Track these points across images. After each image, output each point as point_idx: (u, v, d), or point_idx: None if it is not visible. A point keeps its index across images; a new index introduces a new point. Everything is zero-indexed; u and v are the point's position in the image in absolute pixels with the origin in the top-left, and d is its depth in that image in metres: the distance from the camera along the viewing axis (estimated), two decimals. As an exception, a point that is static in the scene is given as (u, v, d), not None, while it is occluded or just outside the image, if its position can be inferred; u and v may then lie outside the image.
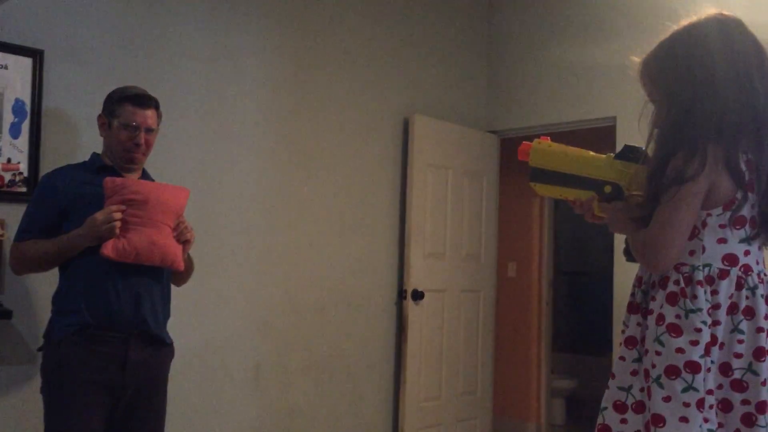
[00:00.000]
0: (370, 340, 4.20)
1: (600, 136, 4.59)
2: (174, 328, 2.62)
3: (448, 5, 4.72)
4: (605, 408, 1.84)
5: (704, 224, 1.76)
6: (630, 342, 1.83)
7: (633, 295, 1.87)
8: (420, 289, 4.33)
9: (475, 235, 4.76)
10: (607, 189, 1.89)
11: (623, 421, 1.80)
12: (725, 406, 1.73)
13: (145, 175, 2.65)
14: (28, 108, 2.94)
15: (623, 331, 1.88)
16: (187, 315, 3.32)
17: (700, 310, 1.71)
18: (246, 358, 3.65)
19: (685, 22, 1.81)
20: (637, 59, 1.86)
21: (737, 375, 1.72)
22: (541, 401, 5.58)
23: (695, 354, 1.70)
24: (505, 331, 5.49)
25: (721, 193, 1.73)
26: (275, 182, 3.79)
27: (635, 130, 4.25)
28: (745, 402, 1.71)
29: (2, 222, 2.80)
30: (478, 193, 4.79)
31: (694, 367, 1.69)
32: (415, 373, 4.31)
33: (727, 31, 1.77)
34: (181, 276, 2.65)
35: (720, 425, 1.72)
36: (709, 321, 1.71)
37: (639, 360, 1.81)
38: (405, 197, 4.36)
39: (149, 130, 2.53)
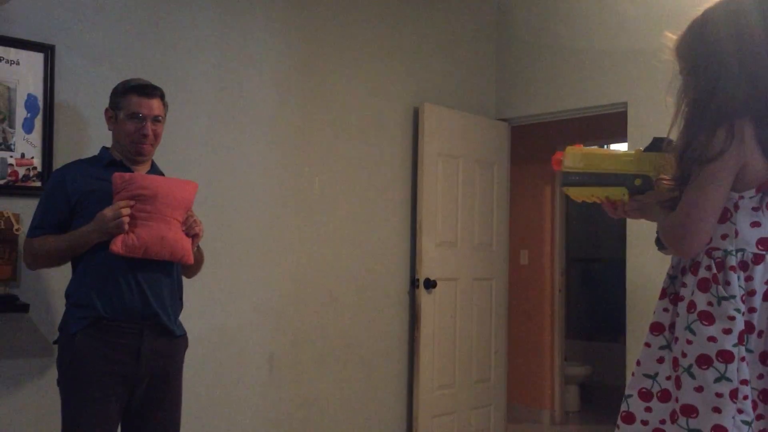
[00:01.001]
0: (383, 329, 4.22)
1: (611, 121, 4.57)
2: (187, 319, 2.64)
3: (457, -7, 4.70)
4: (630, 395, 1.80)
5: (736, 207, 1.70)
6: (656, 328, 1.79)
7: (665, 280, 1.84)
8: (432, 278, 4.33)
9: (486, 223, 4.75)
10: (638, 182, 1.88)
11: (648, 409, 1.77)
12: (766, 396, 1.67)
13: (154, 168, 2.66)
14: (40, 103, 2.96)
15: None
16: (201, 306, 3.34)
17: (733, 297, 1.66)
18: (260, 348, 3.67)
19: None
20: (672, 35, 1.82)
21: None
22: (554, 388, 5.59)
23: (728, 343, 1.64)
24: (518, 318, 5.49)
25: (753, 174, 1.67)
26: (286, 173, 3.80)
27: (646, 116, 4.24)
28: None
29: (18, 216, 2.83)
30: (489, 181, 4.78)
31: (726, 357, 1.64)
32: (428, 362, 4.32)
33: (763, 6, 1.70)
34: (192, 269, 2.66)
35: (760, 417, 1.66)
36: (743, 308, 1.66)
37: (666, 347, 1.77)
38: (416, 186, 4.36)
39: (156, 120, 2.54)
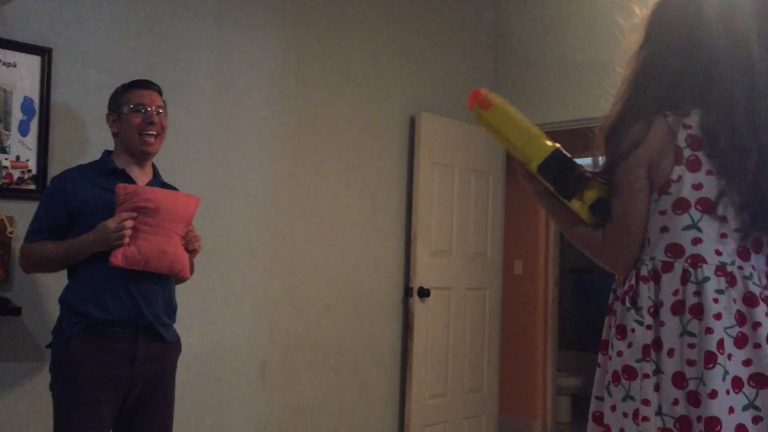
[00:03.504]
0: (376, 337, 4.21)
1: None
2: (181, 326, 2.63)
3: (454, 3, 4.72)
4: (589, 420, 1.69)
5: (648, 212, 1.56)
6: (603, 347, 1.66)
7: (611, 296, 1.70)
8: (426, 287, 4.33)
9: (481, 232, 4.76)
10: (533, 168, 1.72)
11: None
12: (684, 425, 1.45)
13: (156, 176, 2.65)
14: (36, 106, 2.95)
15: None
16: (194, 314, 3.33)
17: (638, 308, 1.53)
18: (253, 356, 3.66)
19: None
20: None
21: (692, 386, 1.46)
22: (547, 399, 5.59)
23: (631, 358, 1.52)
24: (511, 328, 5.49)
25: (656, 175, 1.53)
26: (281, 180, 3.80)
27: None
28: (699, 419, 1.43)
29: (12, 219, 2.82)
30: (485, 190, 4.79)
31: (629, 373, 1.52)
32: (421, 371, 4.31)
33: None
34: (185, 280, 2.66)
35: None
36: (648, 321, 1.51)
37: None
38: (411, 195, 4.37)
39: (159, 111, 2.54)
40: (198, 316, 3.38)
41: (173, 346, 2.56)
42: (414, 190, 4.34)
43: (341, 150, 4.06)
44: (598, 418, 1.65)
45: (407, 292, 4.34)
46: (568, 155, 1.69)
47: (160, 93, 2.59)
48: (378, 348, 4.22)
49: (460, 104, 4.72)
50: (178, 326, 2.61)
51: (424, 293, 4.32)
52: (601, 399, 1.65)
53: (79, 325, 2.37)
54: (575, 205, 1.65)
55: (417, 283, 4.30)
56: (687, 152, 1.51)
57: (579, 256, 6.99)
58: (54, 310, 2.65)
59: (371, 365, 4.18)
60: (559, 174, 1.66)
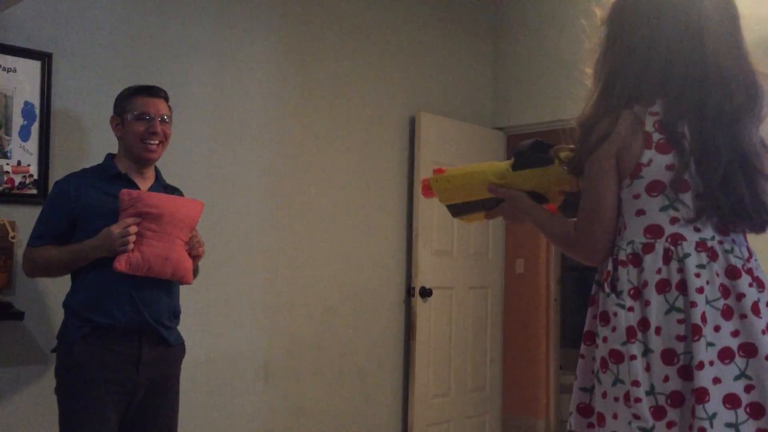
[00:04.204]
0: (378, 338, 4.21)
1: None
2: (182, 329, 2.64)
3: (453, 3, 4.72)
4: (571, 413, 1.69)
5: (621, 199, 1.60)
6: (587, 337, 1.66)
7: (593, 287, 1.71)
8: (428, 287, 4.34)
9: (482, 231, 4.76)
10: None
11: (590, 425, 1.64)
12: (675, 399, 1.49)
13: (159, 181, 2.65)
14: (37, 111, 2.96)
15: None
16: (196, 315, 3.34)
17: (619, 292, 1.55)
18: (255, 357, 3.66)
19: None
20: (604, 4, 1.75)
21: (684, 361, 1.49)
22: (550, 397, 5.59)
23: (616, 341, 1.53)
24: (513, 327, 5.49)
25: (626, 161, 1.57)
26: (282, 181, 3.81)
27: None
28: (694, 392, 1.47)
29: (14, 224, 2.83)
30: (485, 190, 4.79)
31: (616, 357, 1.53)
32: (424, 370, 4.32)
33: None
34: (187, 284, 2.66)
35: (672, 424, 1.48)
36: (630, 303, 1.53)
37: None
38: (412, 194, 4.37)
39: (163, 120, 2.54)
40: (200, 319, 3.38)
41: (177, 349, 2.56)
42: (415, 189, 4.35)
43: (342, 151, 4.06)
44: (583, 410, 1.65)
45: (409, 292, 4.34)
46: (528, 144, 1.79)
47: (167, 99, 2.59)
48: (380, 348, 4.22)
49: (460, 104, 4.73)
50: (180, 329, 2.62)
51: (426, 293, 4.32)
52: (585, 390, 1.66)
53: (84, 329, 2.37)
54: (556, 168, 1.74)
55: (419, 282, 4.31)
56: (656, 136, 1.56)
57: (580, 254, 7.01)
58: (56, 315, 2.65)
59: (374, 366, 4.18)
60: (533, 152, 1.76)
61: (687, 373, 1.48)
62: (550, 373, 5.59)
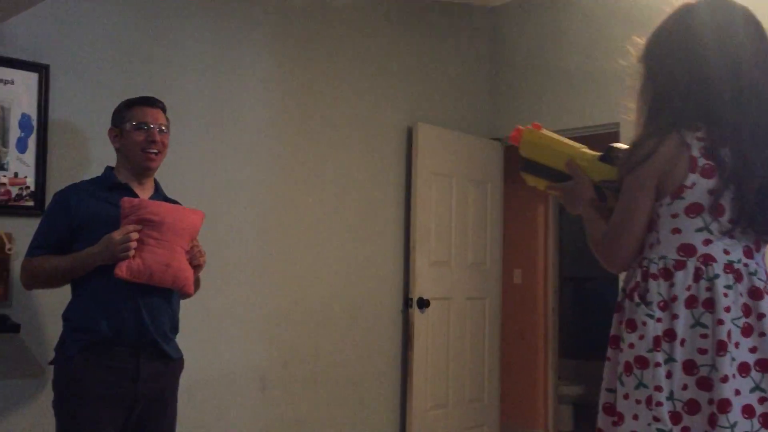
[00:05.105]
0: (376, 348, 4.20)
1: (604, 141, 4.59)
2: (179, 340, 2.63)
3: (451, 14, 4.74)
4: (599, 411, 1.81)
5: (658, 215, 1.71)
6: (613, 341, 1.80)
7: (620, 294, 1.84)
8: (426, 297, 4.33)
9: (480, 242, 4.76)
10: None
11: (614, 423, 1.75)
12: (692, 407, 1.63)
13: (158, 191, 2.65)
14: (34, 122, 2.96)
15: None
16: (192, 327, 3.32)
17: (648, 303, 1.67)
18: (251, 369, 3.65)
19: (679, 2, 1.77)
20: (640, 40, 1.84)
21: (703, 372, 1.62)
22: (548, 408, 5.57)
23: (642, 349, 1.66)
24: (511, 337, 5.48)
25: (670, 181, 1.68)
26: (280, 192, 3.81)
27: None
28: (711, 402, 1.61)
29: (10, 236, 2.82)
30: (483, 200, 4.80)
31: (642, 363, 1.66)
32: (421, 381, 4.30)
33: (722, 13, 1.71)
34: (189, 296, 2.65)
35: (686, 429, 1.62)
36: (659, 315, 1.66)
37: None
38: (409, 205, 4.37)
39: (161, 130, 2.54)
40: (195, 331, 3.37)
41: (176, 363, 2.55)
42: (412, 200, 4.35)
43: (339, 161, 4.07)
44: (608, 409, 1.77)
45: (407, 302, 4.34)
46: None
47: (164, 110, 2.60)
48: (378, 359, 4.21)
49: (458, 114, 4.74)
50: (177, 340, 2.60)
51: (423, 304, 4.31)
52: (611, 391, 1.77)
53: (81, 343, 2.36)
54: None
55: (416, 293, 4.30)
56: (701, 161, 1.65)
57: (578, 264, 7.01)
58: (53, 327, 2.64)
59: (371, 377, 4.17)
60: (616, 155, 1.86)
61: (705, 384, 1.61)
62: (548, 384, 5.58)
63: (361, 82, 4.19)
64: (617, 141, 4.24)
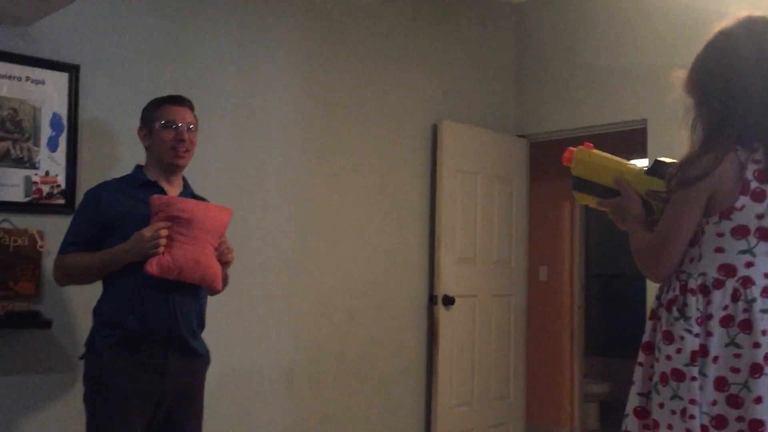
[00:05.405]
0: (401, 346, 4.21)
1: (631, 138, 4.56)
2: (206, 336, 2.65)
3: (476, 10, 4.72)
4: (627, 414, 1.84)
5: (703, 232, 1.74)
6: (646, 347, 1.84)
7: (654, 302, 1.88)
8: (451, 295, 4.33)
9: (505, 239, 4.75)
10: None
11: (645, 426, 1.80)
12: (720, 422, 1.68)
13: (187, 188, 2.68)
14: (65, 122, 3.00)
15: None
16: (220, 323, 3.35)
17: (687, 318, 1.71)
18: (278, 365, 3.68)
19: (716, 28, 1.80)
20: (681, 73, 1.86)
21: (733, 390, 1.67)
22: (574, 406, 5.54)
23: (679, 362, 1.70)
24: (537, 335, 5.45)
25: (720, 201, 1.71)
26: (305, 189, 3.83)
27: (666, 132, 4.23)
28: (740, 419, 1.66)
29: (42, 233, 2.87)
30: (508, 197, 4.78)
31: (678, 376, 1.70)
32: (447, 379, 4.31)
33: (757, 34, 1.75)
34: (217, 292, 2.68)
35: None
36: (696, 330, 1.70)
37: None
38: (434, 203, 4.37)
39: (190, 128, 2.57)
40: (223, 326, 3.40)
41: (203, 358, 2.58)
42: (437, 197, 4.35)
43: (364, 159, 4.08)
44: (640, 413, 1.80)
45: (432, 299, 4.34)
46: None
47: (192, 108, 2.63)
48: (403, 356, 4.22)
49: (483, 111, 4.72)
50: (204, 337, 2.63)
51: (448, 301, 4.31)
52: (643, 395, 1.81)
53: (111, 339, 2.40)
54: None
55: (441, 290, 4.30)
56: (754, 184, 1.69)
57: (605, 261, 6.96)
58: (84, 322, 2.68)
59: (397, 374, 4.18)
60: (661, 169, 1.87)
61: (734, 401, 1.66)
62: (574, 382, 5.54)
63: (386, 80, 4.20)
64: (644, 137, 4.22)
